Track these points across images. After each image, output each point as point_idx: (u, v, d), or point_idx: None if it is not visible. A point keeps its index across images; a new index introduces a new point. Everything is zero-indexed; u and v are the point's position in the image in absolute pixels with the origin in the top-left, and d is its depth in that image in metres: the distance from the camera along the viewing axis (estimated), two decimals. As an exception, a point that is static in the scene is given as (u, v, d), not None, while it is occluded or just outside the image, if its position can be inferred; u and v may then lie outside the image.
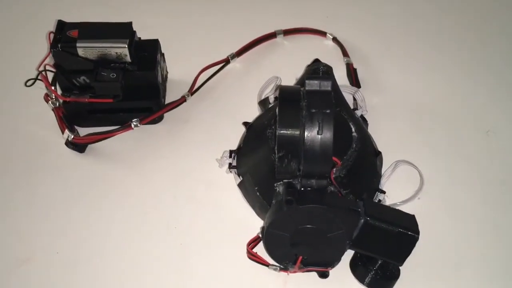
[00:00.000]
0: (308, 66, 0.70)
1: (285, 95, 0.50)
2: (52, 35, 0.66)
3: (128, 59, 0.66)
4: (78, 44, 0.64)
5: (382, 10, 0.91)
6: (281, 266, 0.56)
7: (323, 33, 0.85)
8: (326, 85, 0.51)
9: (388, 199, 0.64)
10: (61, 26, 0.67)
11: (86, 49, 0.65)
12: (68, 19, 0.69)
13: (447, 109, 0.75)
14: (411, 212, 0.63)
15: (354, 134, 0.60)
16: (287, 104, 0.49)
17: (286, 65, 0.81)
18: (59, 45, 0.65)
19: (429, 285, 0.59)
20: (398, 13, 0.91)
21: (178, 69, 0.79)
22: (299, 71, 0.76)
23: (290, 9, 0.90)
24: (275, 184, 0.57)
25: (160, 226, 0.64)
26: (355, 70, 0.78)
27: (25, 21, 0.87)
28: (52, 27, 0.72)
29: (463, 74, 0.80)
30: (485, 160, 0.70)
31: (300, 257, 0.55)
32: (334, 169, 0.57)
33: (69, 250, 0.62)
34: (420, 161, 0.67)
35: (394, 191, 0.65)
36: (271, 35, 0.84)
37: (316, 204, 0.51)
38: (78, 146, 0.70)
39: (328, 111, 0.48)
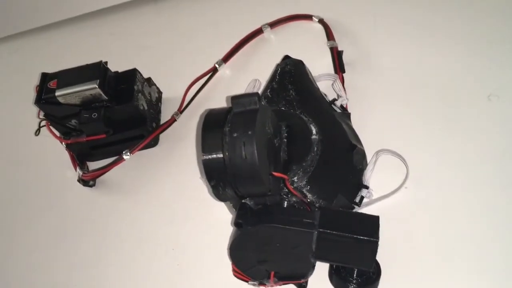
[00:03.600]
0: (278, 64, 0.67)
1: (209, 120, 0.50)
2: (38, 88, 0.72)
3: (104, 97, 0.69)
4: (57, 94, 0.69)
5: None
6: (258, 282, 0.57)
7: (309, 17, 0.80)
8: (252, 103, 0.49)
9: (374, 193, 0.60)
10: (44, 78, 0.72)
11: (65, 96, 0.69)
12: (70, 61, 0.73)
13: (442, 81, 0.68)
14: (399, 203, 0.59)
15: (314, 136, 0.57)
16: (210, 131, 0.49)
17: (277, 61, 0.79)
18: (42, 98, 0.70)
19: (419, 277, 0.55)
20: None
21: (171, 87, 0.81)
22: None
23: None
24: (243, 201, 0.57)
25: (159, 248, 0.67)
26: (339, 53, 0.73)
27: (35, 68, 0.95)
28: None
29: (457, 39, 0.71)
30: (487, 130, 0.62)
31: (272, 272, 0.54)
32: (295, 177, 0.56)
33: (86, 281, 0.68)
34: (412, 146, 0.62)
35: (383, 183, 0.61)
36: (258, 32, 0.82)
37: (265, 223, 0.50)
38: (86, 182, 0.75)
39: (249, 132, 0.47)
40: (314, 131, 0.58)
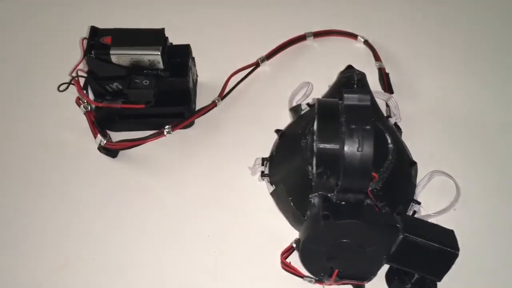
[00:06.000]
0: (341, 72, 0.69)
1: (324, 109, 0.50)
2: (85, 42, 0.66)
3: (161, 66, 0.66)
4: (111, 51, 0.64)
5: (413, 12, 0.89)
6: (316, 278, 0.56)
7: (354, 36, 0.83)
8: (365, 99, 0.50)
9: (423, 210, 0.63)
10: (94, 32, 0.67)
11: (120, 56, 0.65)
12: (98, 23, 0.69)
13: (485, 116, 0.73)
14: (447, 223, 0.62)
15: (390, 145, 0.59)
16: (326, 120, 0.49)
17: (316, 68, 0.81)
18: (92, 52, 0.65)
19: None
20: (432, 16, 0.89)
21: (207, 72, 0.79)
22: (330, 75, 0.75)
23: (320, 10, 0.89)
24: (310, 196, 0.56)
25: (194, 233, 0.64)
26: (387, 75, 0.76)
27: (56, 25, 0.88)
28: (83, 32, 0.72)
29: (502, 79, 0.78)
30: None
31: (336, 271, 0.54)
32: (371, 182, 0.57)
33: (103, 256, 0.62)
34: (456, 171, 0.66)
35: (429, 201, 0.64)
36: (301, 38, 0.83)
37: (354, 219, 0.51)
38: (110, 151, 0.70)
39: (368, 127, 0.47)
40: (389, 140, 0.60)
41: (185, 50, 0.71)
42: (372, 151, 0.47)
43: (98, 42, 0.65)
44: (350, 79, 0.64)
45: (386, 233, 0.51)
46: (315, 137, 0.48)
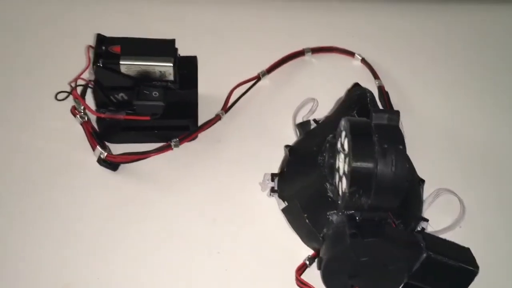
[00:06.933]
0: (350, 90, 0.70)
1: (357, 128, 0.50)
2: (91, 50, 0.63)
3: (171, 77, 0.64)
4: (121, 61, 0.62)
5: (409, 29, 0.92)
6: (335, 297, 0.56)
7: (351, 54, 0.85)
8: (395, 119, 0.51)
9: (430, 227, 0.65)
10: (101, 40, 0.64)
11: (130, 66, 0.63)
12: (93, 28, 0.68)
13: (488, 132, 0.76)
14: (452, 240, 0.63)
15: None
16: (361, 138, 0.49)
17: (315, 83, 0.82)
18: (100, 61, 0.62)
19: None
20: (429, 33, 0.92)
21: (204, 85, 0.77)
22: (328, 90, 0.77)
23: (316, 26, 0.90)
24: (328, 213, 0.57)
25: (203, 251, 0.62)
26: (387, 93, 0.78)
27: (50, 30, 0.84)
28: (75, 38, 0.69)
29: (497, 96, 0.81)
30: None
31: (356, 288, 0.55)
32: (388, 199, 0.58)
33: (109, 275, 0.59)
34: (458, 188, 0.67)
35: (434, 218, 0.65)
36: (300, 53, 0.84)
37: (380, 237, 0.51)
38: (111, 164, 0.67)
39: (401, 147, 0.48)
40: (404, 159, 0.61)
41: (192, 62, 0.69)
42: (405, 171, 0.48)
43: (106, 51, 0.63)
44: (362, 97, 0.64)
45: (410, 251, 0.52)
46: (342, 155, 0.48)
